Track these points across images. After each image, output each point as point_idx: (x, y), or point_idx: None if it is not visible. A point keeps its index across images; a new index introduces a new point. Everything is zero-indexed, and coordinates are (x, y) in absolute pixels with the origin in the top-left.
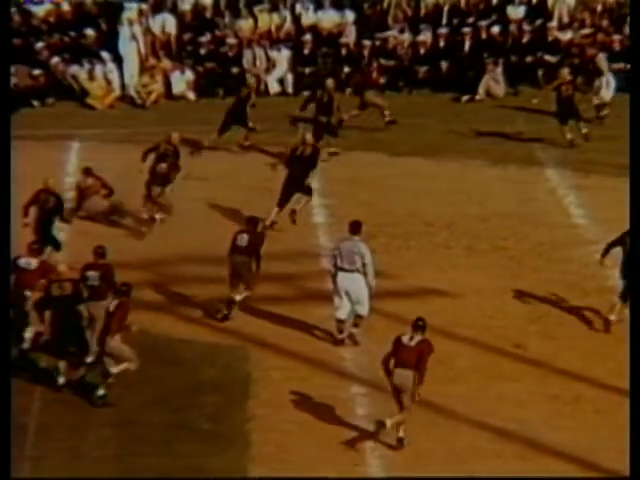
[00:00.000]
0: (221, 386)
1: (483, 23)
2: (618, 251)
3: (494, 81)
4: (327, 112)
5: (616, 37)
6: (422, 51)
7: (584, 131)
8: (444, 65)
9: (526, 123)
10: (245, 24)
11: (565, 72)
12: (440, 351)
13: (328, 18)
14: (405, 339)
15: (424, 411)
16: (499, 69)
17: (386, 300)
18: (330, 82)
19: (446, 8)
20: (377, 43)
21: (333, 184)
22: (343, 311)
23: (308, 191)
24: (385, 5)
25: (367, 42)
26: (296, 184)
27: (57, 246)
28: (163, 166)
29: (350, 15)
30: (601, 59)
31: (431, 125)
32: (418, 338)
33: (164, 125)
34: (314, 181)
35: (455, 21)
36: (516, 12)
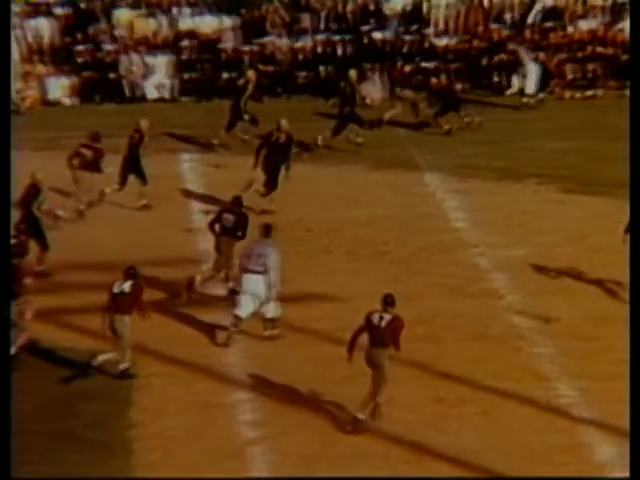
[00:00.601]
0: (103, 394)
1: (365, 28)
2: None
3: (373, 87)
4: (351, 102)
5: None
6: (301, 57)
7: (466, 120)
8: (322, 70)
9: (406, 129)
10: (122, 30)
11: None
12: (326, 355)
13: (206, 24)
14: (375, 318)
15: (311, 414)
16: (377, 75)
17: None
18: (353, 73)
19: (323, 14)
20: (255, 48)
21: (214, 189)
22: (243, 310)
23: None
24: (263, 11)
25: (246, 47)
26: (268, 169)
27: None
28: None
29: (228, 21)
30: (522, 51)
31: (311, 130)
32: (388, 317)
33: (41, 131)
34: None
35: (334, 27)
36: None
